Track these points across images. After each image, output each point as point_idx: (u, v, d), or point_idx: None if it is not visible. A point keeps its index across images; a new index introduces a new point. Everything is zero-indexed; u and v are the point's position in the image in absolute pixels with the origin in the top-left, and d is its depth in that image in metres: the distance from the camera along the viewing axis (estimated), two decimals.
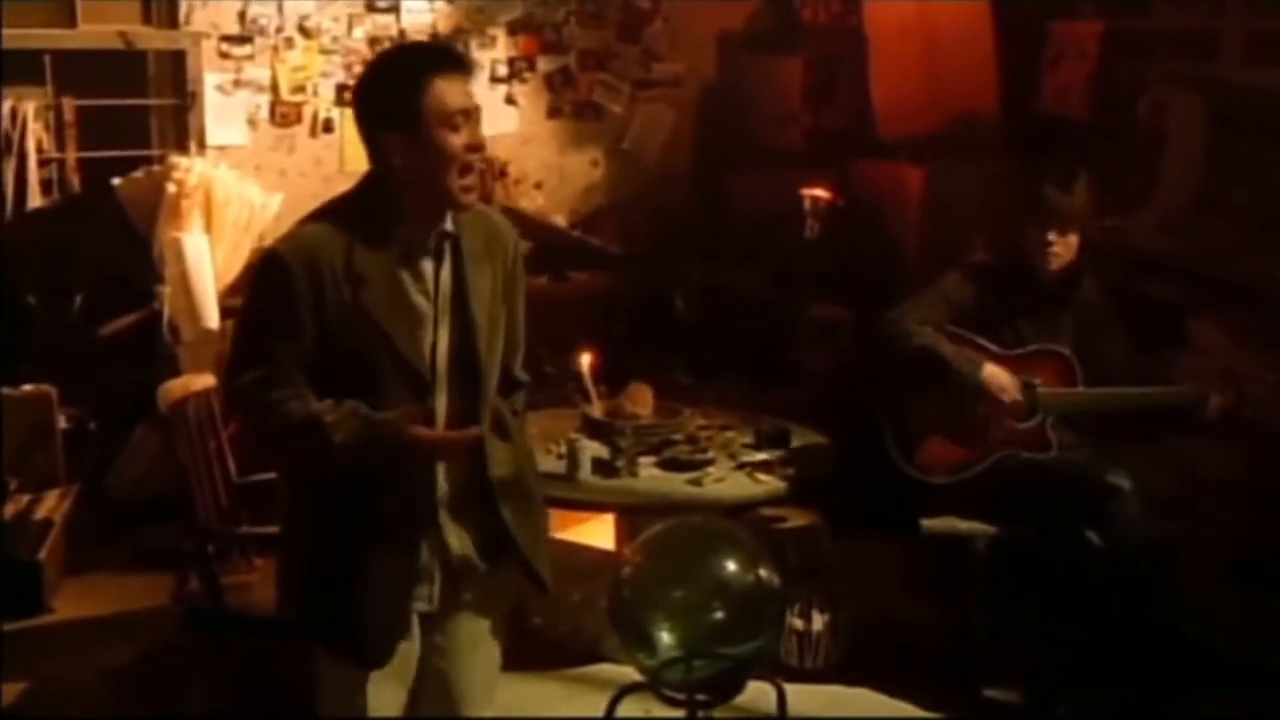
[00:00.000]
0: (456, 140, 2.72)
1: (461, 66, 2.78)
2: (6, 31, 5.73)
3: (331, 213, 2.82)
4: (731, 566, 3.30)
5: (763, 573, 3.30)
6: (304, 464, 2.84)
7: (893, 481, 5.08)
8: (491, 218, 3.00)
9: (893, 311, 4.56)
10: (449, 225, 2.83)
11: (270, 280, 2.75)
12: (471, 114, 2.75)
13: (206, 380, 4.58)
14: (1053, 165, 4.55)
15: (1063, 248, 4.43)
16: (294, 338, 2.72)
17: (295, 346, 2.72)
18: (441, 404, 2.84)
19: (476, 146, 2.75)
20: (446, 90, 2.71)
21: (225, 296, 5.94)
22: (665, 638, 3.28)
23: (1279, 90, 5.18)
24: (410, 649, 2.93)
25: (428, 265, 2.81)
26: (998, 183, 6.38)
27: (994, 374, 4.39)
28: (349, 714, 2.94)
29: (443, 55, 2.82)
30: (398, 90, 2.73)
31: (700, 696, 3.35)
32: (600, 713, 4.22)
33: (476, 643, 3.05)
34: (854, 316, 6.35)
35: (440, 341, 2.82)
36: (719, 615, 3.26)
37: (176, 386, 4.40)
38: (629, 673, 4.52)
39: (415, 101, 2.70)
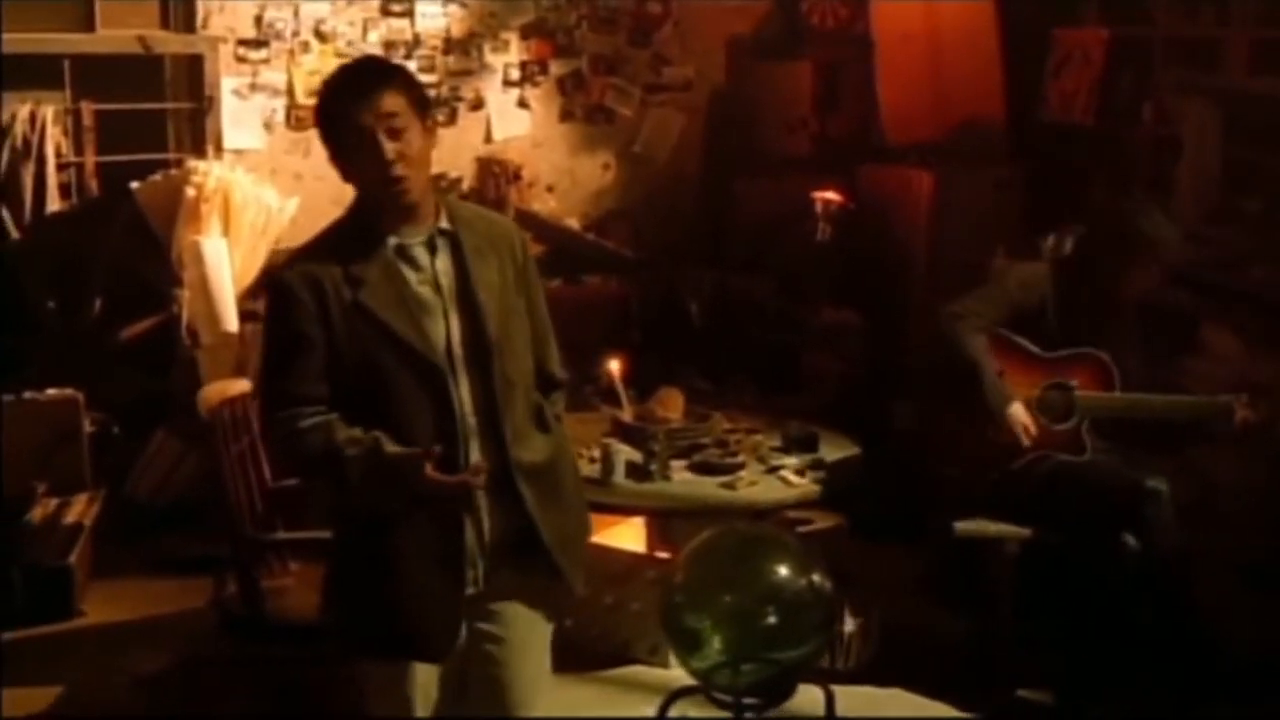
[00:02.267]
0: (364, 155, 2.83)
1: (360, 82, 2.88)
2: (27, 36, 5.76)
3: (327, 233, 3.00)
4: (784, 572, 3.35)
5: (815, 578, 3.36)
6: (329, 491, 2.99)
7: (906, 487, 5.19)
8: (489, 216, 3.14)
9: (956, 304, 4.58)
10: (445, 223, 2.94)
11: (277, 303, 2.94)
12: (369, 127, 2.81)
13: (242, 385, 4.59)
14: (1149, 203, 4.70)
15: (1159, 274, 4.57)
16: (309, 351, 2.86)
17: (312, 360, 2.86)
18: (465, 391, 2.91)
19: (385, 158, 2.81)
20: (343, 110, 2.85)
21: (243, 300, 5.97)
22: (716, 642, 3.33)
23: None
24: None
25: (424, 258, 2.92)
26: (1005, 188, 6.51)
27: (1018, 413, 4.45)
28: (393, 706, 3.00)
29: (343, 77, 2.93)
30: (319, 120, 2.93)
31: (750, 700, 3.40)
32: (629, 712, 4.34)
33: (523, 632, 3.09)
34: (864, 321, 6.43)
35: (454, 330, 2.92)
36: (771, 620, 3.30)
37: (213, 392, 4.40)
38: (661, 675, 4.65)
39: (327, 126, 2.90)
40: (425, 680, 3.00)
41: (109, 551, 5.40)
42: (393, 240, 2.89)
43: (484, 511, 2.93)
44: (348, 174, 2.92)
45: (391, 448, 2.82)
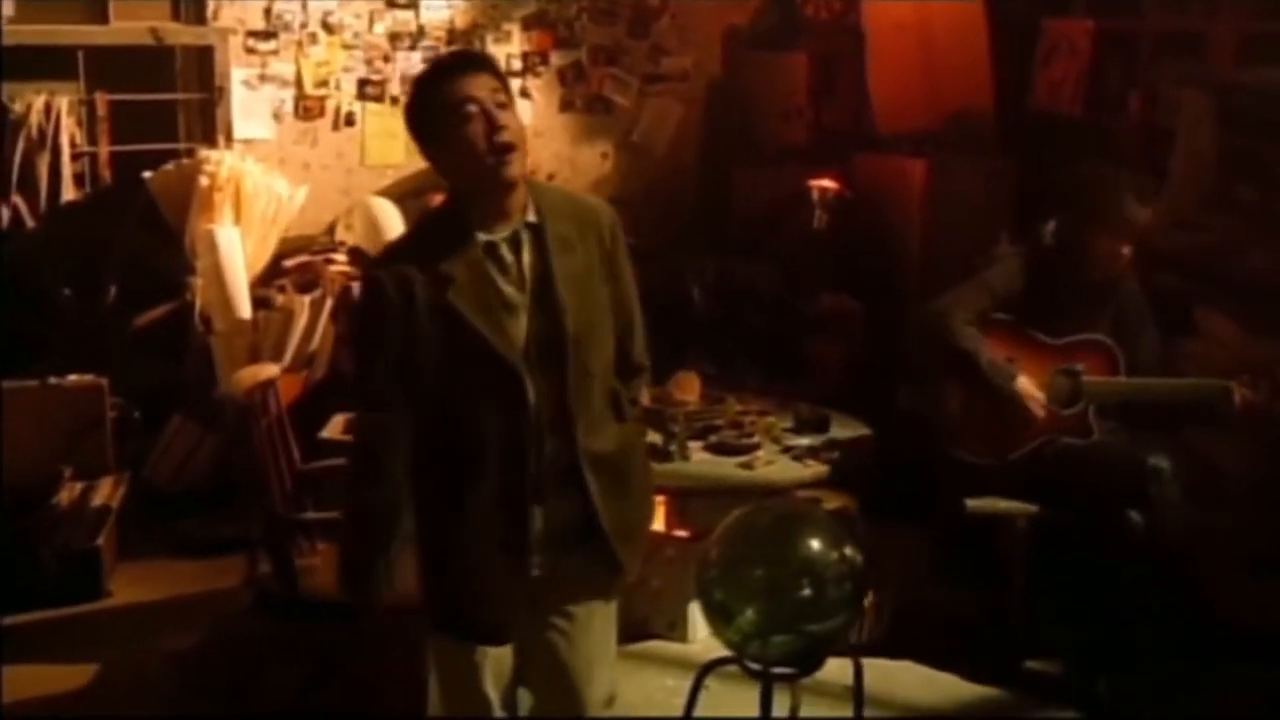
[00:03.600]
0: (473, 127, 2.88)
1: (461, 65, 2.96)
2: (42, 28, 5.85)
3: (418, 229, 3.16)
4: (816, 546, 3.44)
5: (847, 551, 3.47)
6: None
7: (911, 468, 5.32)
8: (579, 200, 3.15)
9: (937, 303, 4.70)
10: (532, 216, 2.99)
11: (369, 301, 3.04)
12: (479, 99, 2.89)
13: (271, 370, 4.70)
14: (1128, 179, 4.72)
15: (1129, 254, 4.64)
16: (395, 350, 2.94)
17: (398, 359, 2.94)
18: (541, 387, 2.97)
19: (493, 123, 2.88)
20: (448, 90, 2.91)
21: (255, 287, 6.07)
22: (749, 615, 3.44)
23: None
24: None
25: (510, 255, 2.97)
26: (997, 177, 6.64)
27: (1026, 387, 4.58)
28: (459, 685, 3.12)
29: (446, 66, 3.01)
30: (418, 111, 2.98)
31: (780, 670, 3.52)
32: (648, 685, 4.46)
33: (585, 613, 3.17)
34: (861, 307, 6.56)
35: (534, 328, 2.97)
36: (804, 593, 3.39)
37: (246, 376, 4.51)
38: (680, 649, 4.79)
39: (429, 114, 2.95)
40: (496, 661, 3.10)
41: (130, 534, 5.49)
42: (482, 237, 2.94)
43: (553, 502, 3.01)
44: (449, 160, 2.95)
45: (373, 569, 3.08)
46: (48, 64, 5.95)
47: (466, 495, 2.98)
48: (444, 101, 2.91)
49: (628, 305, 3.18)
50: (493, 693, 3.14)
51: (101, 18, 6.04)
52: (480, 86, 2.90)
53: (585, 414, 3.02)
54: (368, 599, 3.12)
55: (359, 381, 3.06)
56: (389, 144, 6.72)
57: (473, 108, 2.88)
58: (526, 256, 2.98)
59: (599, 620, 3.22)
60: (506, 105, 2.92)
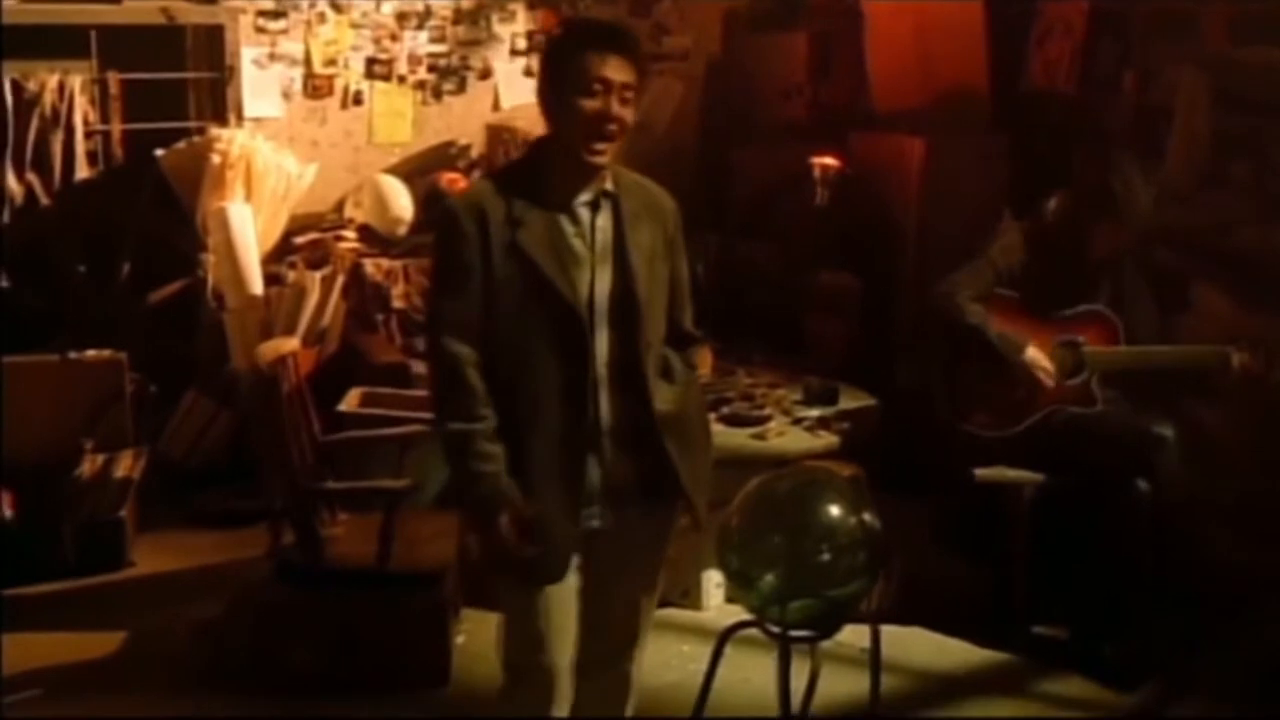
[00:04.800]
0: (590, 105, 3.01)
1: (614, 44, 3.06)
2: (56, 7, 5.91)
3: (501, 173, 3.27)
4: (835, 512, 3.54)
5: (866, 517, 3.58)
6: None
7: (913, 440, 5.43)
8: (651, 187, 3.29)
9: (944, 284, 4.82)
10: (609, 186, 3.13)
11: (445, 230, 3.14)
12: (613, 86, 3.02)
13: (292, 343, 4.78)
14: (1130, 161, 4.90)
15: (1130, 234, 4.76)
16: (469, 279, 3.06)
17: (471, 288, 3.06)
18: (603, 343, 3.11)
19: (607, 115, 3.02)
20: (591, 61, 3.02)
21: (267, 264, 6.14)
22: (770, 579, 3.54)
23: (1278, 66, 5.51)
24: (575, 561, 3.19)
25: (585, 214, 3.11)
26: (992, 155, 6.73)
27: (1035, 356, 4.70)
28: (526, 625, 3.19)
29: (599, 32, 3.12)
30: (554, 62, 3.09)
31: (799, 633, 3.63)
32: (664, 651, 4.56)
33: (635, 565, 3.31)
34: (860, 284, 6.65)
35: (599, 285, 3.10)
36: (824, 558, 3.50)
37: (268, 349, 4.59)
38: (693, 616, 4.90)
39: (563, 70, 3.05)
40: (559, 605, 3.19)
41: (148, 507, 5.58)
42: (559, 190, 3.09)
43: (609, 454, 3.14)
44: (553, 115, 3.09)
45: (498, 486, 3.04)
46: (61, 43, 5.98)
47: (525, 438, 3.08)
48: (578, 67, 3.02)
49: (682, 285, 3.34)
50: (560, 652, 3.22)
51: None
52: (618, 71, 3.02)
53: (649, 377, 3.15)
54: (515, 530, 3.06)
55: (433, 308, 3.19)
56: (396, 122, 6.80)
57: (598, 88, 3.01)
58: (600, 220, 3.11)
59: (651, 574, 3.37)
60: (629, 101, 3.04)
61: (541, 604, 3.16)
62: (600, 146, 3.04)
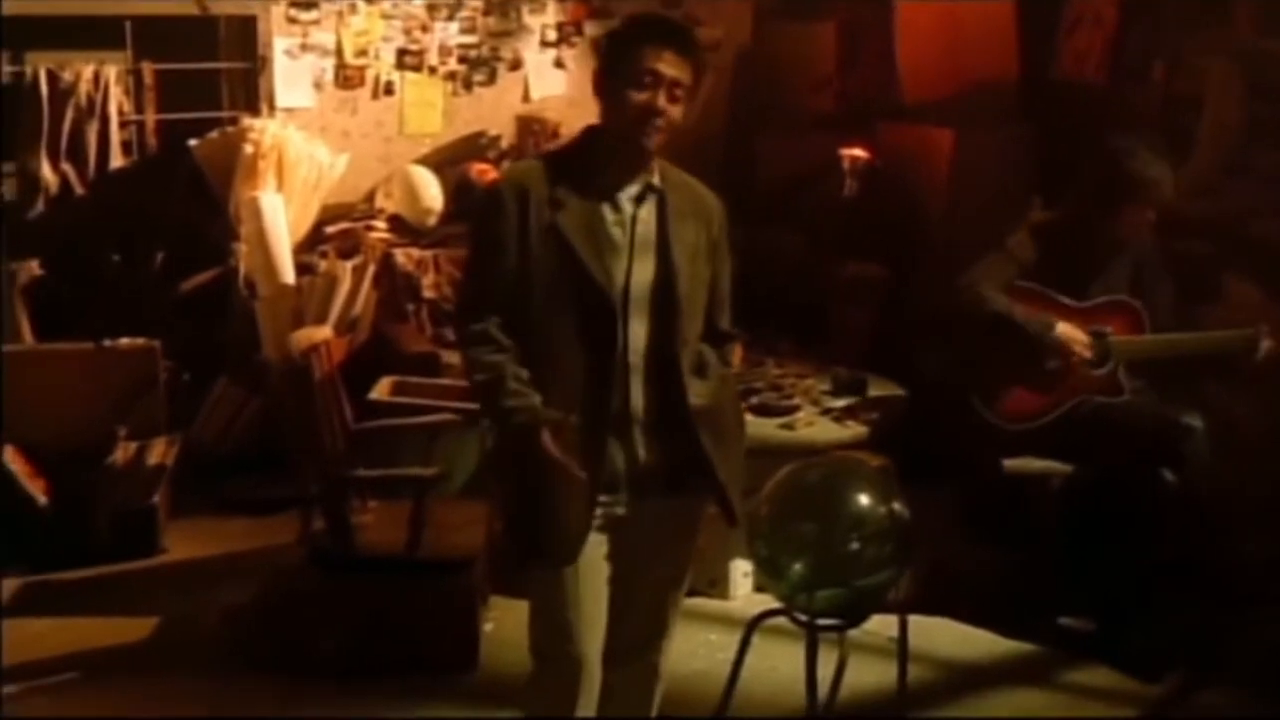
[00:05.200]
0: (638, 97, 3.06)
1: (671, 39, 3.10)
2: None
3: (551, 155, 3.32)
4: (865, 501, 3.57)
5: (895, 506, 3.60)
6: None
7: (938, 430, 5.44)
8: (698, 187, 3.33)
9: (964, 277, 4.82)
10: (656, 180, 3.17)
11: (487, 208, 3.21)
12: (664, 80, 3.06)
13: (325, 332, 4.84)
14: (1148, 145, 4.81)
15: (1153, 218, 4.76)
16: (504, 258, 3.11)
17: (505, 266, 3.11)
18: (638, 332, 3.14)
19: (653, 108, 3.06)
20: (645, 54, 3.07)
21: (298, 253, 6.19)
22: (799, 568, 3.56)
23: None
24: (602, 550, 3.22)
25: (628, 205, 3.14)
26: (1021, 146, 6.73)
27: (1066, 331, 4.70)
28: (555, 613, 3.21)
29: (657, 26, 3.17)
30: (611, 52, 3.15)
31: (826, 621, 3.65)
32: (691, 640, 4.59)
33: (664, 555, 3.33)
34: (887, 274, 6.67)
35: (636, 274, 3.13)
36: (853, 547, 3.53)
37: (302, 337, 4.65)
38: (720, 605, 4.93)
39: (618, 61, 3.11)
40: (588, 594, 3.20)
41: (180, 493, 5.64)
42: (604, 178, 3.13)
43: (638, 444, 3.17)
44: (604, 101, 3.15)
45: (534, 411, 3.06)
46: (97, 34, 6.04)
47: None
48: (632, 58, 3.08)
49: (723, 287, 3.36)
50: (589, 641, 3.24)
51: None
52: (670, 66, 3.07)
53: (685, 371, 3.18)
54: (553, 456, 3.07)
55: (466, 278, 3.28)
56: (427, 113, 6.83)
57: (648, 80, 3.05)
58: (644, 213, 3.15)
59: (680, 564, 3.40)
60: (679, 99, 3.09)
61: (571, 592, 3.18)
62: (646, 129, 3.07)
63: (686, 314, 3.18)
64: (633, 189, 3.15)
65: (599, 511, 3.17)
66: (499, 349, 3.13)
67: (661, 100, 3.06)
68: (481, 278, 3.19)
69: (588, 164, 3.15)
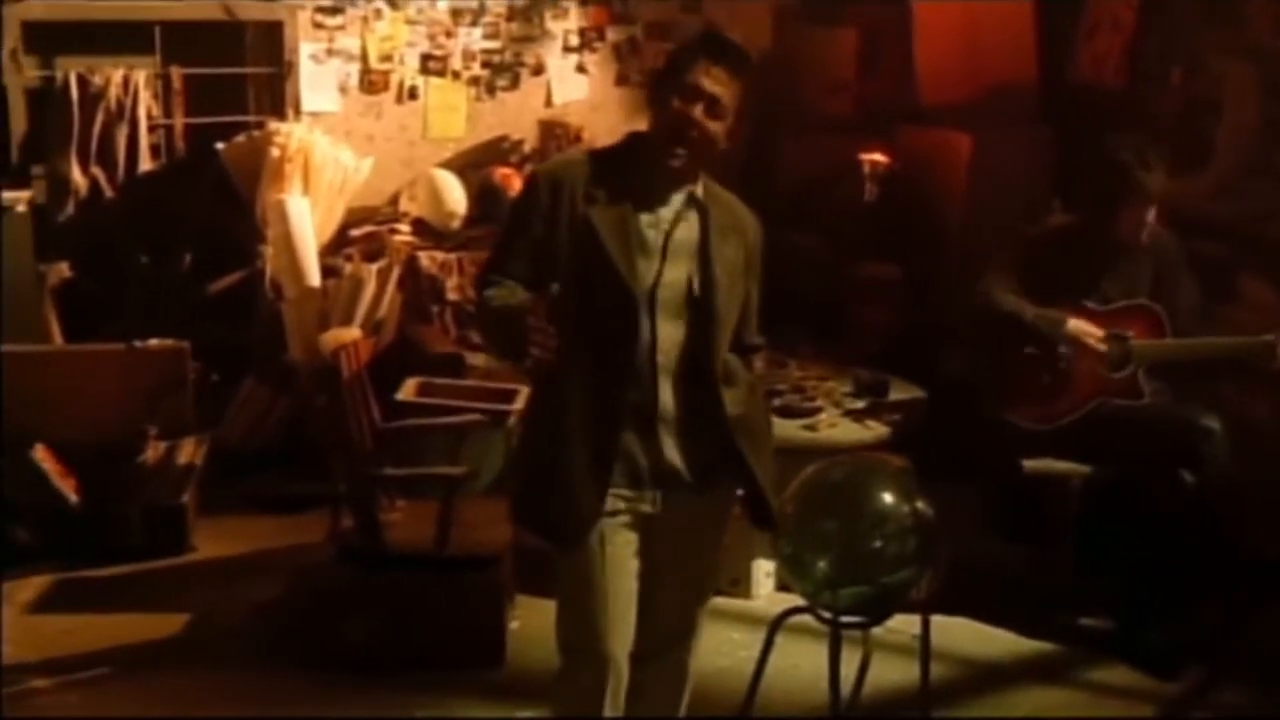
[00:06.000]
0: (677, 106, 3.10)
1: (726, 58, 3.13)
2: (121, 4, 6.07)
3: (592, 151, 3.36)
4: (889, 499, 3.60)
5: (918, 505, 3.64)
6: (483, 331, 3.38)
7: (957, 431, 5.49)
8: (741, 207, 3.38)
9: (981, 281, 4.90)
10: (699, 193, 3.23)
11: (524, 193, 3.31)
12: (706, 96, 3.09)
13: (354, 333, 4.91)
14: (1132, 147, 4.84)
15: (1153, 218, 4.80)
16: (531, 241, 3.16)
17: (531, 250, 3.16)
18: (670, 334, 3.19)
19: (689, 119, 3.09)
20: (692, 67, 3.11)
21: (324, 255, 6.25)
22: (823, 566, 3.60)
23: None
24: (630, 548, 3.26)
25: (665, 211, 3.18)
26: (1039, 149, 6.78)
27: (1078, 326, 4.75)
28: (582, 610, 3.26)
29: (715, 43, 3.18)
30: (669, 62, 3.20)
31: (849, 619, 3.70)
32: (714, 638, 4.62)
33: (692, 555, 3.38)
34: (905, 275, 6.72)
35: (667, 276, 3.17)
36: (876, 545, 3.56)
37: (331, 338, 4.73)
38: (743, 604, 4.98)
39: (669, 71, 3.16)
40: (616, 591, 3.25)
41: (206, 492, 5.68)
42: (641, 184, 3.17)
43: (666, 444, 3.22)
44: (651, 107, 3.21)
45: (510, 301, 3.08)
46: (126, 39, 6.11)
47: (566, 405, 3.16)
48: (681, 69, 3.12)
49: (753, 304, 3.43)
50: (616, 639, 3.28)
51: None
52: (714, 82, 3.10)
53: (719, 379, 3.25)
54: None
55: (489, 263, 3.27)
56: (450, 117, 6.90)
57: (689, 92, 3.09)
58: (685, 222, 3.19)
59: (708, 565, 3.46)
60: (719, 116, 3.11)
61: (598, 589, 3.23)
62: (678, 149, 3.11)
63: (722, 325, 3.24)
64: (676, 198, 3.19)
65: (623, 506, 3.22)
66: (499, 288, 3.16)
67: (699, 112, 3.10)
68: (501, 251, 3.26)
69: (628, 167, 3.20)
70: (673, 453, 3.25)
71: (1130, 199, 4.76)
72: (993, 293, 4.84)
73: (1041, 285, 4.86)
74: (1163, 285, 4.88)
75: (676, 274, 3.19)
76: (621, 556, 3.25)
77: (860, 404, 5.03)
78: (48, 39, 6.01)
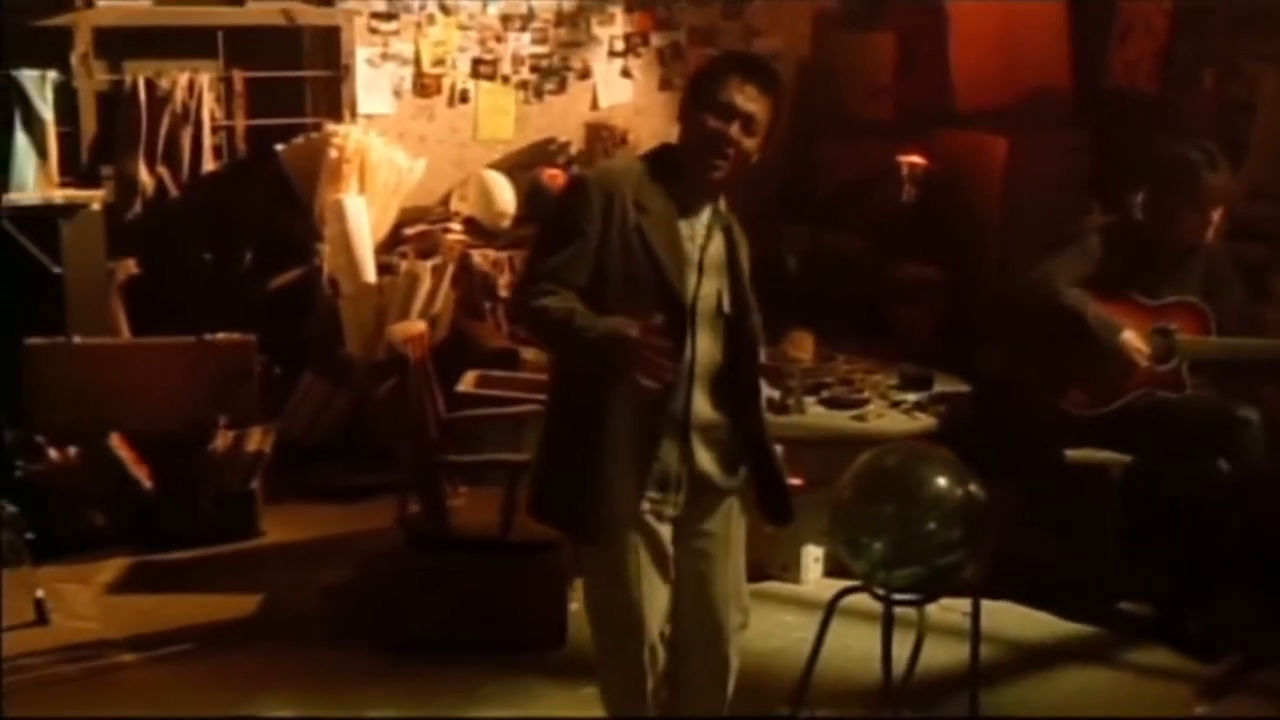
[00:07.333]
0: (712, 124, 3.19)
1: (756, 76, 3.24)
2: (186, 10, 6.29)
3: (633, 160, 3.42)
4: (943, 483, 3.73)
5: (971, 488, 3.78)
6: (548, 340, 3.36)
7: (998, 423, 5.63)
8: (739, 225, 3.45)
9: (1040, 269, 4.98)
10: (723, 208, 3.34)
11: (570, 196, 3.32)
12: (741, 114, 3.18)
13: (421, 326, 5.09)
14: (1199, 149, 4.91)
15: (1218, 220, 4.91)
16: (581, 245, 3.17)
17: (581, 253, 3.17)
18: (705, 346, 3.28)
19: (724, 136, 3.18)
20: (728, 87, 3.20)
21: (377, 254, 6.44)
22: (879, 546, 3.74)
23: None
24: (665, 547, 3.36)
25: (699, 225, 3.29)
26: (1074, 153, 6.92)
27: (1130, 340, 4.84)
28: (608, 597, 3.39)
29: (745, 62, 3.32)
30: (698, 80, 3.30)
31: (903, 596, 3.85)
32: (766, 620, 4.77)
33: (726, 551, 3.49)
34: (944, 276, 6.86)
35: (703, 289, 3.27)
36: (931, 527, 3.68)
37: (399, 331, 4.89)
38: (793, 589, 5.14)
39: (701, 89, 3.25)
40: (648, 578, 3.34)
41: (271, 481, 5.85)
42: (680, 197, 3.26)
43: (696, 447, 3.32)
44: (683, 123, 3.28)
45: (602, 322, 3.09)
46: (191, 44, 6.32)
47: (609, 407, 3.21)
48: (714, 87, 3.21)
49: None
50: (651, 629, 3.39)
51: (238, 0, 6.40)
52: (748, 100, 3.19)
53: (758, 391, 3.42)
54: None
55: (539, 270, 3.21)
56: (500, 120, 7.10)
57: (724, 110, 3.18)
58: (714, 236, 3.30)
59: (735, 556, 3.54)
60: (754, 133, 3.21)
61: (634, 584, 3.32)
62: (718, 162, 3.20)
63: (751, 338, 3.37)
64: (705, 212, 3.30)
65: (648, 508, 3.31)
66: (559, 297, 3.16)
67: (735, 130, 3.19)
68: (551, 258, 3.19)
69: (669, 177, 3.26)
70: (704, 460, 3.35)
71: (1199, 199, 4.85)
72: (1056, 284, 4.92)
73: (1100, 279, 4.96)
74: (1213, 286, 4.98)
75: (710, 288, 3.29)
76: (653, 551, 3.35)
77: (906, 396, 5.19)
78: (117, 44, 6.21)
